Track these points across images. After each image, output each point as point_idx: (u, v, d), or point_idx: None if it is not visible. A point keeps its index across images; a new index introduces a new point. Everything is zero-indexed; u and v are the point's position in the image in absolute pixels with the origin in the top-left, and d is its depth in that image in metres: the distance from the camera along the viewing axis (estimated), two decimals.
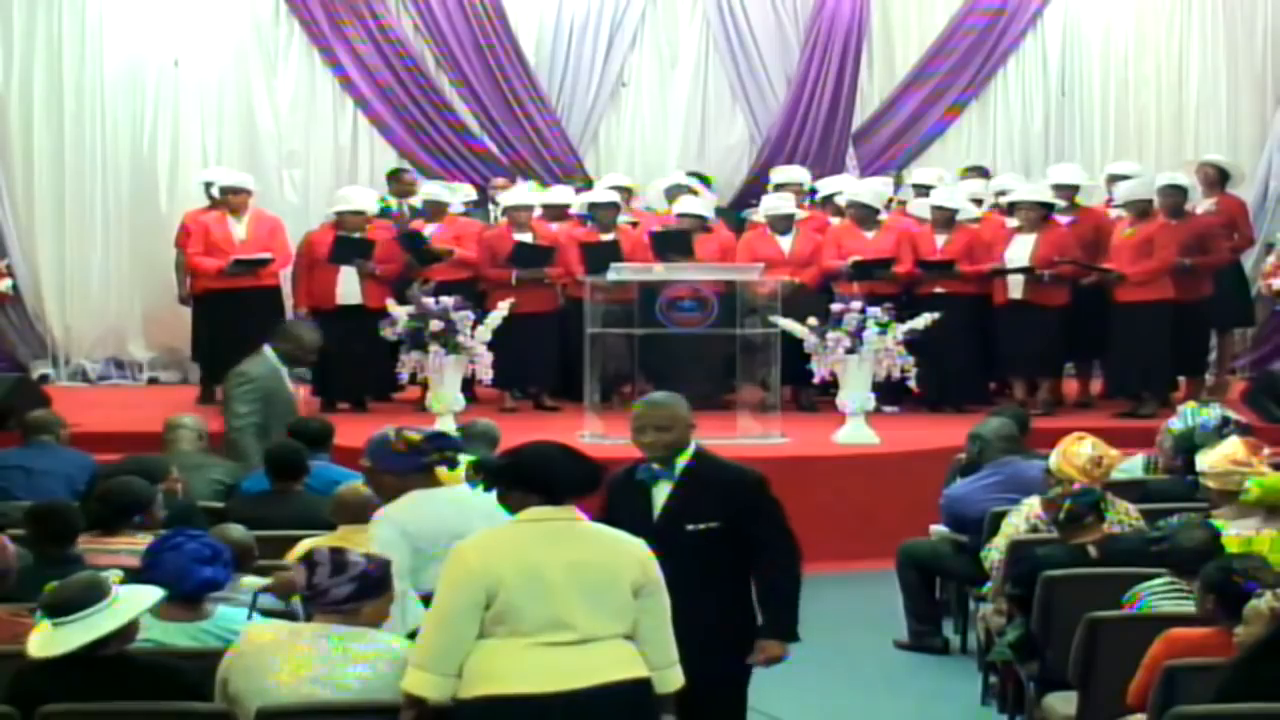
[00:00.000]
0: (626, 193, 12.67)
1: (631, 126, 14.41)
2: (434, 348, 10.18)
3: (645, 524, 5.03)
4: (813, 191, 12.82)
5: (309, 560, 4.65)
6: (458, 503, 5.35)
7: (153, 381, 13.65)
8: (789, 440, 10.24)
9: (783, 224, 11.79)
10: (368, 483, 5.96)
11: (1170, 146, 14.39)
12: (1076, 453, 7.07)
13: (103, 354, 13.73)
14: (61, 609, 4.55)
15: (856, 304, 10.28)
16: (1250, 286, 12.71)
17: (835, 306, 10.30)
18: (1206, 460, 6.92)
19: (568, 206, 12.26)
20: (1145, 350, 11.12)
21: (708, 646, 4.89)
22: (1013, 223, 11.58)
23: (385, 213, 12.39)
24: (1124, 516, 6.80)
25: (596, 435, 9.76)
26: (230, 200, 11.55)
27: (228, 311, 11.42)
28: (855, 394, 10.16)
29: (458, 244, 11.69)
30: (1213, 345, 12.29)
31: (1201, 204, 11.86)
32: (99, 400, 12.41)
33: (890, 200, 12.42)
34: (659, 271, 10.69)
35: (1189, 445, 7.66)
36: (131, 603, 4.66)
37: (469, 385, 10.77)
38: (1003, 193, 12.05)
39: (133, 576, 5.15)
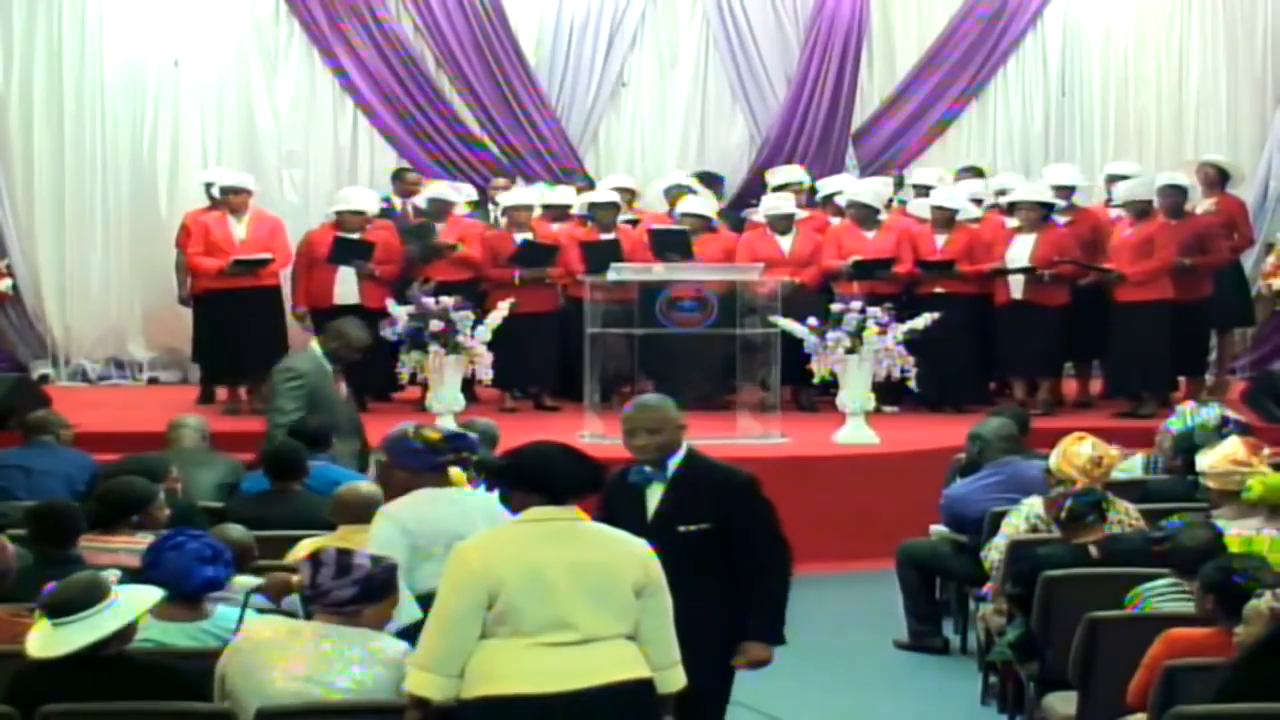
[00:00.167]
0: (629, 194, 12.68)
1: (631, 126, 14.40)
2: (434, 348, 10.18)
3: (638, 526, 5.02)
4: (813, 190, 12.83)
5: (314, 559, 4.65)
6: (460, 504, 5.38)
7: (153, 381, 13.65)
8: (789, 440, 10.25)
9: (783, 224, 11.80)
10: (381, 475, 5.97)
11: (1170, 146, 14.39)
12: (1076, 453, 7.07)
13: (103, 354, 13.72)
14: (62, 609, 4.55)
15: (856, 304, 10.28)
16: (1250, 286, 12.72)
17: (835, 306, 10.30)
18: (1207, 460, 6.92)
19: (569, 207, 12.26)
20: (1145, 350, 11.13)
21: (701, 647, 4.87)
22: (1013, 223, 11.58)
23: (388, 213, 12.39)
24: (1124, 516, 6.80)
25: (596, 435, 9.75)
26: (230, 200, 11.54)
27: (228, 312, 11.42)
28: (855, 394, 10.16)
29: (462, 244, 11.69)
30: (1213, 345, 12.29)
31: (1201, 204, 11.86)
32: (99, 400, 12.40)
33: (890, 200, 12.43)
34: (659, 271, 10.69)
35: (1189, 445, 7.66)
36: (132, 603, 4.66)
37: (469, 385, 10.77)
38: (1003, 192, 12.06)
39: (133, 576, 5.15)
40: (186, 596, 5.10)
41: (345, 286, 11.45)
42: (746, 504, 5.29)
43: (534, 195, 12.30)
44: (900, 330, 10.12)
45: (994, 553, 7.10)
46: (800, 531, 9.45)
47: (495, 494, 5.67)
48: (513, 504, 4.65)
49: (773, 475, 9.49)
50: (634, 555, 4.57)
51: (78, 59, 13.52)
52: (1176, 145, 14.37)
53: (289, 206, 13.29)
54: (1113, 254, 11.36)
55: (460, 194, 12.29)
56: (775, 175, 12.95)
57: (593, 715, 4.37)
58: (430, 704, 4.39)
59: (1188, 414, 8.42)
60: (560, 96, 14.17)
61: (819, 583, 9.06)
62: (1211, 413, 8.33)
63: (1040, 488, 7.19)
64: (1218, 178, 12.04)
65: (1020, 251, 11.36)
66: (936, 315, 10.27)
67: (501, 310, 10.41)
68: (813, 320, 10.18)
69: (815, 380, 10.58)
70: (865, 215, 11.78)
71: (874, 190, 12.16)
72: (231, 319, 11.38)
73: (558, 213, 12.18)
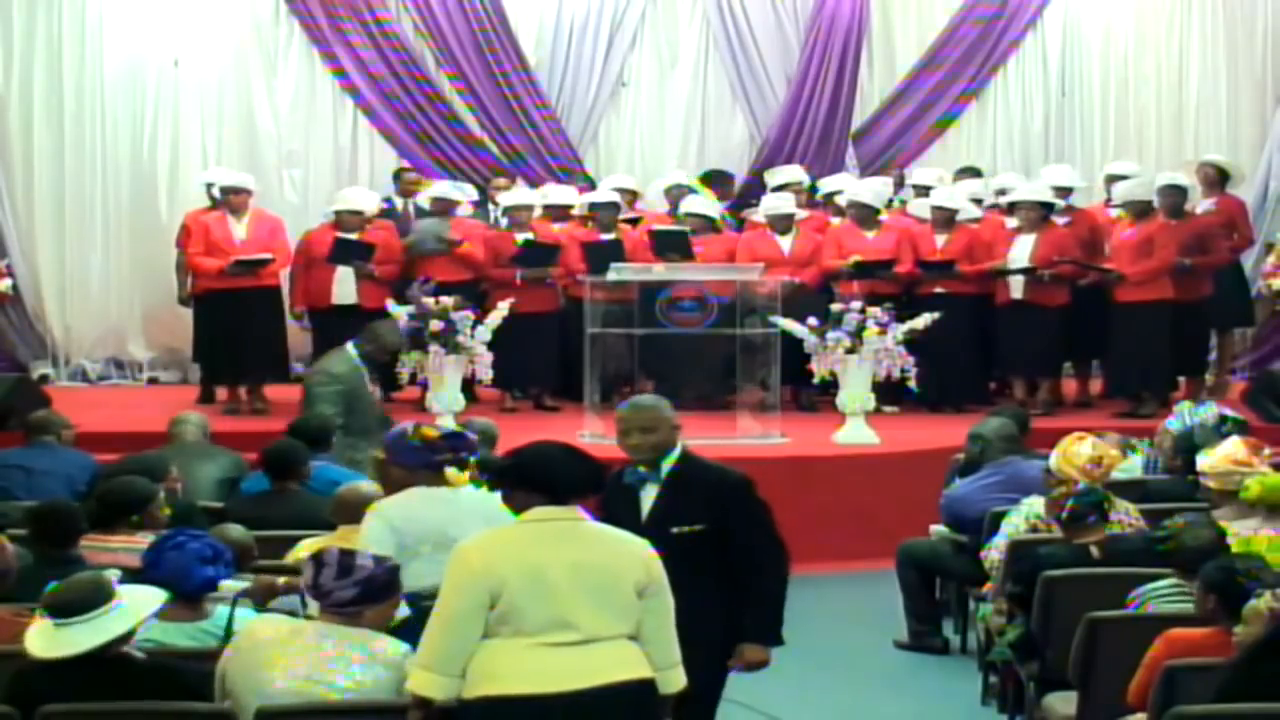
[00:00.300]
0: (631, 195, 12.68)
1: (631, 126, 14.41)
2: (434, 348, 10.17)
3: (634, 527, 5.01)
4: (814, 188, 12.83)
5: (317, 559, 4.65)
6: (452, 504, 5.38)
7: (153, 381, 13.65)
8: (789, 440, 10.25)
9: (783, 224, 11.80)
10: (379, 472, 5.97)
11: (1170, 146, 14.39)
12: (1076, 453, 7.07)
13: (103, 354, 13.72)
14: (66, 610, 4.53)
15: (856, 304, 10.28)
16: (1250, 286, 12.72)
17: (835, 306, 10.30)
18: (1207, 460, 6.93)
19: (570, 207, 12.27)
20: (1145, 350, 11.13)
21: (699, 648, 4.86)
22: (1012, 223, 11.58)
23: (389, 213, 12.39)
24: (1124, 516, 6.80)
25: (596, 435, 9.74)
26: (231, 200, 11.54)
27: (228, 312, 11.42)
28: (855, 394, 10.16)
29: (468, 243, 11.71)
30: (1213, 345, 12.29)
31: (1201, 204, 11.86)
32: (99, 400, 12.40)
33: (890, 200, 12.43)
34: (659, 271, 10.69)
35: (1189, 445, 7.67)
36: (138, 606, 4.64)
37: (469, 385, 10.77)
38: (1003, 192, 12.06)
39: (133, 576, 5.15)
40: (187, 596, 5.10)
41: (343, 286, 11.45)
42: (741, 505, 5.28)
43: (551, 195, 12.31)
44: (900, 330, 10.12)
45: (994, 553, 7.10)
46: (800, 531, 9.47)
47: (491, 493, 5.68)
48: (514, 504, 4.64)
49: (773, 475, 9.54)
50: (636, 555, 4.57)
51: (78, 59, 13.52)
52: (1176, 145, 14.38)
53: (289, 206, 13.29)
54: (1113, 254, 11.37)
55: (464, 193, 12.30)
56: (775, 175, 12.94)
57: (594, 715, 4.37)
58: (432, 704, 4.40)
59: (1186, 414, 8.42)
60: (560, 96, 14.18)
61: (819, 583, 9.07)
62: (1209, 412, 8.33)
63: (1040, 488, 7.19)
64: (1218, 178, 12.04)
65: (1020, 252, 11.36)
66: (936, 315, 10.27)
67: (501, 310, 10.41)
68: (813, 320, 10.17)
69: (815, 380, 10.58)
70: (865, 215, 11.78)
71: (874, 190, 12.16)
72: (232, 319, 11.38)
73: (558, 213, 12.18)
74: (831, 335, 10.11)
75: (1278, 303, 12.82)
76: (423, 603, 4.79)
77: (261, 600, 5.28)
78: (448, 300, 10.41)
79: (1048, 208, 11.56)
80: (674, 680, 4.60)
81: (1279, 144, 14.14)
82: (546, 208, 12.20)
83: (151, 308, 13.57)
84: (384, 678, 4.51)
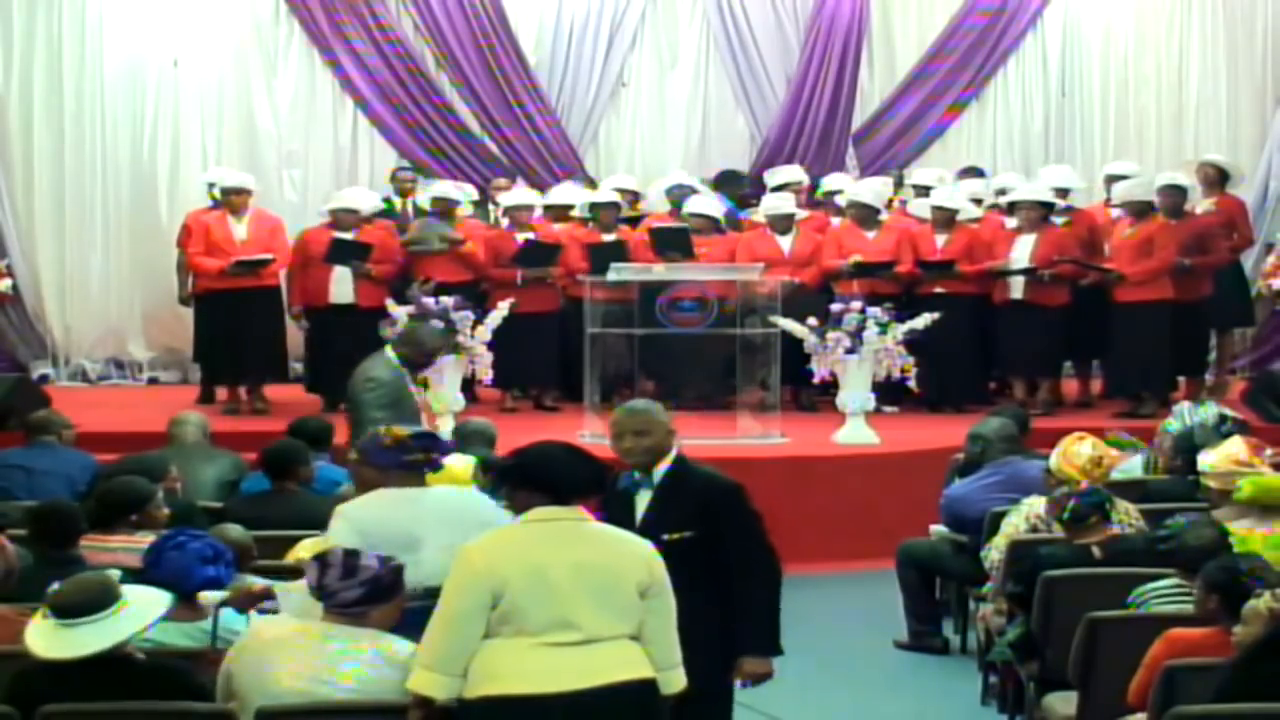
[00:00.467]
0: (632, 195, 12.68)
1: (631, 126, 14.42)
2: None
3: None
4: (815, 186, 12.83)
5: (321, 560, 4.64)
6: (416, 505, 5.33)
7: (153, 381, 13.66)
8: (789, 440, 10.25)
9: (783, 224, 11.80)
10: (353, 474, 5.94)
11: (1170, 146, 14.40)
12: (1076, 453, 7.07)
13: (103, 354, 13.73)
14: (73, 611, 4.51)
15: (856, 304, 10.28)
16: (1250, 286, 12.71)
17: (835, 306, 10.30)
18: (1208, 460, 6.93)
19: (570, 207, 12.27)
20: (1145, 350, 11.12)
21: (699, 652, 4.85)
22: (1012, 223, 11.59)
23: (388, 213, 12.40)
24: (1124, 516, 6.80)
25: (596, 435, 9.71)
26: (232, 200, 11.54)
27: (229, 312, 11.42)
28: (855, 394, 10.16)
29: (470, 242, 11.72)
30: (1213, 345, 12.29)
31: (1201, 204, 11.86)
32: (99, 400, 12.40)
33: (890, 200, 12.43)
34: (659, 271, 10.69)
35: (1189, 445, 7.67)
36: (145, 608, 4.62)
37: (469, 385, 10.77)
38: (1003, 192, 12.06)
39: (133, 575, 5.14)
40: (187, 596, 5.09)
41: (341, 286, 11.45)
42: (730, 512, 5.22)
43: (552, 195, 12.32)
44: (900, 330, 10.11)
45: (994, 553, 7.10)
46: (800, 531, 9.54)
47: (460, 491, 5.65)
48: (517, 504, 4.64)
49: (773, 475, 9.61)
50: (638, 555, 4.57)
51: (78, 59, 13.53)
52: (1176, 145, 14.39)
53: (289, 206, 13.30)
54: (1113, 254, 11.36)
55: (464, 193, 12.29)
56: (775, 175, 12.95)
57: (595, 715, 4.37)
58: (433, 703, 4.40)
59: (1186, 414, 8.42)
60: (560, 96, 14.18)
61: (819, 583, 9.07)
62: (1209, 412, 8.33)
63: (1040, 488, 7.19)
64: (1218, 178, 12.04)
65: (1020, 252, 11.36)
66: (936, 315, 10.26)
67: (501, 310, 10.41)
68: (813, 320, 10.17)
69: (815, 380, 10.58)
70: (865, 215, 11.78)
71: (874, 190, 12.16)
72: (232, 319, 11.38)
73: (559, 213, 12.19)
74: (831, 335, 10.10)
75: (1278, 303, 12.82)
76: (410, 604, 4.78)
77: (242, 609, 5.23)
78: (448, 300, 10.41)
79: (1048, 208, 11.56)
80: (675, 681, 4.59)
81: (1279, 144, 14.14)
82: (547, 208, 12.20)
83: (151, 308, 13.58)
84: (389, 677, 4.50)
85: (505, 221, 12.15)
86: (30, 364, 13.38)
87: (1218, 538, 5.77)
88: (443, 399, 10.19)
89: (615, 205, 12.04)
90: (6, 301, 13.13)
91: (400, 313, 10.50)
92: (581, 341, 10.52)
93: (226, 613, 5.19)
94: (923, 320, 10.18)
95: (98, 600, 4.53)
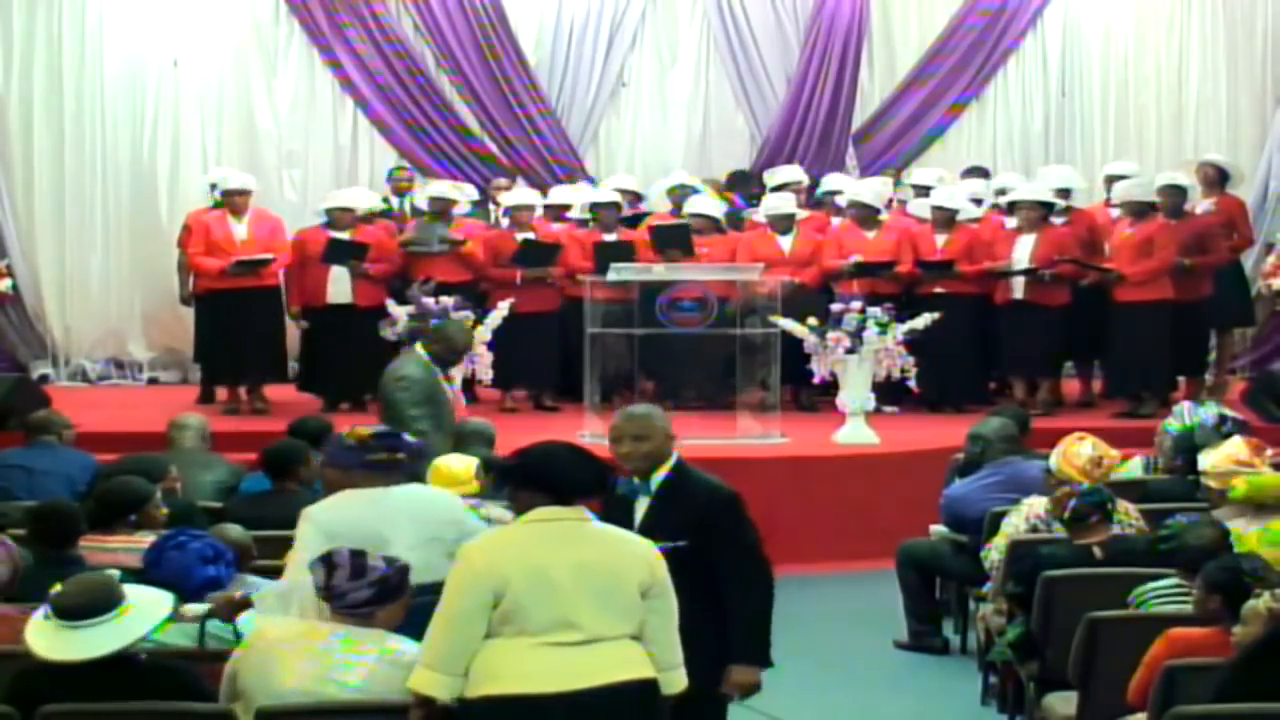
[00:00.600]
0: (632, 195, 12.68)
1: (631, 126, 14.42)
2: None
3: None
4: (814, 186, 12.83)
5: (328, 561, 4.64)
6: (380, 505, 5.29)
7: (153, 381, 13.66)
8: (789, 440, 10.24)
9: (783, 224, 11.80)
10: (318, 475, 5.92)
11: (1170, 146, 14.41)
12: (1076, 453, 7.07)
13: (103, 354, 13.74)
14: (76, 613, 4.49)
15: (856, 304, 10.28)
16: (1250, 286, 12.72)
17: (835, 306, 10.30)
18: (1209, 460, 6.93)
19: (568, 207, 12.27)
20: (1145, 350, 11.12)
21: (692, 657, 4.82)
22: (1012, 223, 11.58)
23: (386, 213, 12.40)
24: (1124, 516, 6.80)
25: (596, 435, 9.71)
26: (233, 201, 11.54)
27: (229, 311, 11.42)
28: (855, 394, 10.16)
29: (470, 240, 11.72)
30: (1213, 345, 12.28)
31: (1201, 204, 11.86)
32: (99, 400, 12.40)
33: (890, 200, 12.43)
34: (659, 271, 10.68)
35: (1189, 445, 7.66)
36: (149, 610, 4.61)
37: (469, 385, 10.77)
38: (1003, 192, 12.06)
39: (133, 576, 5.14)
40: (188, 596, 5.09)
41: (338, 285, 11.47)
42: (725, 522, 5.16)
43: (552, 196, 12.31)
44: (900, 330, 10.11)
45: (994, 553, 7.09)
46: (800, 531, 9.56)
47: (426, 489, 5.63)
48: (519, 504, 4.64)
49: (773, 475, 9.62)
50: (640, 556, 4.57)
51: (78, 59, 13.53)
52: (1176, 145, 14.39)
53: (289, 206, 13.29)
54: (1113, 254, 11.36)
55: (462, 193, 12.30)
56: (774, 175, 12.95)
57: (596, 715, 4.37)
58: (434, 703, 4.40)
59: (1185, 414, 8.42)
60: (560, 96, 14.19)
61: (819, 583, 9.08)
62: (1209, 412, 8.33)
63: (1040, 488, 7.19)
64: (1217, 178, 12.04)
65: (1020, 252, 11.36)
66: (936, 315, 10.26)
67: (501, 310, 10.41)
68: (813, 320, 10.17)
69: (815, 380, 10.58)
70: (865, 215, 11.78)
71: (874, 190, 12.17)
72: (232, 319, 11.38)
73: (557, 213, 12.20)
74: (831, 335, 10.10)
75: (1278, 303, 12.82)
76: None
77: (228, 617, 5.20)
78: (448, 300, 10.41)
79: (1048, 208, 11.56)
80: (676, 681, 4.60)
81: (1279, 144, 14.14)
82: (547, 207, 12.21)
83: (151, 308, 13.59)
84: (395, 677, 4.50)
85: (505, 221, 12.15)
86: (30, 364, 13.38)
87: (1218, 538, 5.77)
88: None
89: (616, 205, 12.04)
90: (6, 301, 13.13)
91: (400, 312, 10.49)
92: (581, 341, 10.52)
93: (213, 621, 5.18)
94: (923, 320, 10.18)
95: (101, 602, 4.52)
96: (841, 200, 12.13)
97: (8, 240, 13.32)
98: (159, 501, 6.30)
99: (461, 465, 6.74)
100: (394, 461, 5.42)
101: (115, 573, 5.12)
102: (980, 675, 7.26)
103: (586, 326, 10.45)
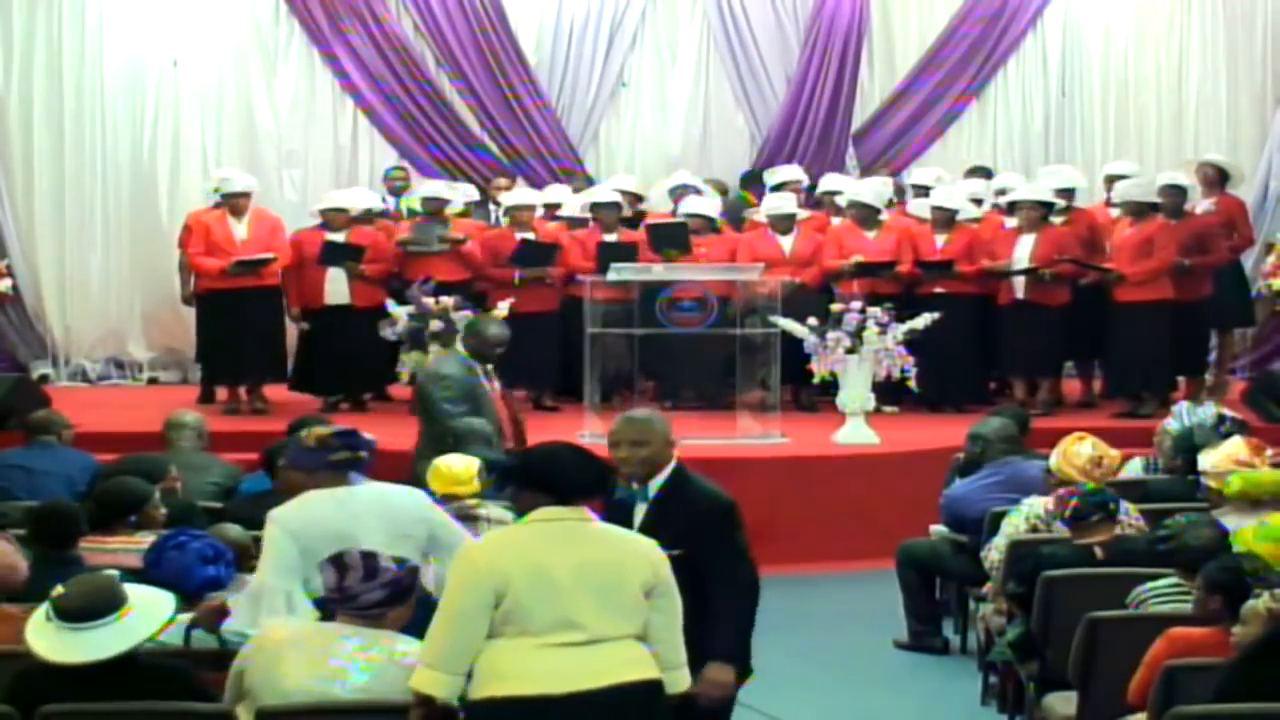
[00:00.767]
0: (633, 197, 12.68)
1: (631, 126, 14.41)
2: (434, 348, 10.17)
3: None
4: (812, 188, 12.83)
5: (339, 562, 4.64)
6: (346, 504, 5.27)
7: (153, 381, 13.66)
8: (789, 440, 10.24)
9: (784, 224, 11.80)
10: (281, 479, 5.88)
11: (1170, 146, 14.40)
12: (1076, 453, 7.07)
13: (103, 354, 13.73)
14: (79, 615, 4.49)
15: (857, 304, 10.28)
16: (1250, 286, 12.71)
17: (835, 306, 10.30)
18: (1210, 460, 6.93)
19: (559, 206, 12.26)
20: (1145, 350, 11.12)
21: (695, 658, 4.81)
22: (1012, 222, 11.58)
23: (385, 213, 12.40)
24: (1124, 517, 6.80)
25: (597, 435, 9.71)
26: (234, 201, 11.54)
27: (229, 311, 11.42)
28: (855, 394, 10.16)
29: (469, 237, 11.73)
30: (1213, 345, 12.28)
31: (1201, 204, 11.86)
32: (99, 400, 12.40)
33: (890, 200, 12.43)
34: (659, 271, 10.69)
35: (1189, 445, 7.66)
36: (152, 611, 4.60)
37: None
38: (1003, 192, 12.06)
39: (132, 576, 5.14)
40: (188, 596, 5.09)
41: (335, 286, 11.52)
42: (719, 529, 5.14)
43: (551, 195, 12.29)
44: (900, 330, 10.11)
45: (994, 553, 7.09)
46: (800, 531, 9.56)
47: (392, 487, 5.63)
48: (521, 504, 4.65)
49: (773, 475, 9.62)
50: (643, 555, 4.57)
51: (78, 59, 13.52)
52: (1176, 145, 14.38)
53: (289, 206, 13.27)
54: (1112, 254, 11.36)
55: (456, 193, 12.29)
56: (774, 175, 12.95)
57: (600, 716, 4.37)
58: (434, 702, 4.40)
59: (1185, 414, 8.42)
60: (560, 96, 14.18)
61: (819, 583, 9.09)
62: (1209, 412, 8.33)
63: (1040, 488, 7.19)
64: (1217, 178, 12.03)
65: (1021, 252, 11.36)
66: (936, 315, 10.26)
67: (501, 310, 10.41)
68: (813, 320, 10.17)
69: (815, 380, 10.58)
70: (866, 215, 11.78)
71: (874, 190, 12.17)
72: (233, 318, 11.39)
73: (551, 211, 12.20)
74: (831, 335, 10.10)
75: (1278, 303, 12.82)
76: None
77: (211, 625, 5.18)
78: (448, 300, 10.41)
79: (1048, 207, 11.56)
80: (681, 680, 4.60)
81: (1279, 144, 14.14)
82: (547, 207, 12.21)
83: (151, 308, 13.59)
84: (401, 677, 4.50)
85: (505, 221, 12.16)
86: (30, 364, 13.38)
87: (1217, 537, 5.77)
88: None
89: (616, 205, 12.04)
90: (6, 301, 13.13)
91: (400, 312, 10.49)
92: (581, 341, 10.52)
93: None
94: (923, 320, 10.17)
95: (103, 604, 4.51)
96: (842, 200, 12.13)
97: (8, 240, 13.32)
98: (158, 502, 6.30)
99: (461, 465, 6.74)
100: (356, 460, 5.40)
101: (114, 573, 5.12)
102: (980, 675, 7.26)
103: (586, 326, 10.45)
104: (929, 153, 14.39)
